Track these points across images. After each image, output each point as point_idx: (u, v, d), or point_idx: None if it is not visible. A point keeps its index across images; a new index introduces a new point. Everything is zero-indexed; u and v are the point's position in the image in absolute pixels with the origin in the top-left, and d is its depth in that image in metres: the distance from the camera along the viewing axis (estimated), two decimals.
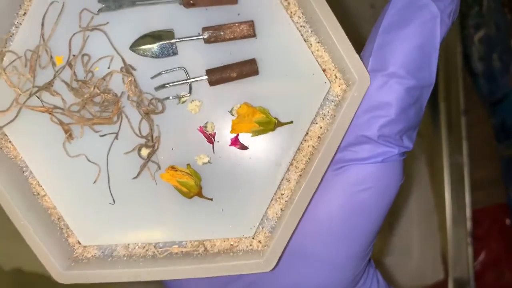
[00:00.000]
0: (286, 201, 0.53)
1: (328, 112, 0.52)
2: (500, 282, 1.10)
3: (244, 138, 0.53)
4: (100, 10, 0.52)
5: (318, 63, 0.52)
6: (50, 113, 0.52)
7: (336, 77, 0.52)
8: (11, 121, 0.52)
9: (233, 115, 0.52)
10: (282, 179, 0.53)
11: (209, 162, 0.53)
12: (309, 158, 0.53)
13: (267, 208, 0.54)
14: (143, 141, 0.52)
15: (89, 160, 0.53)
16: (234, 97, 0.53)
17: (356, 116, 0.49)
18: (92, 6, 0.52)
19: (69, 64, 0.52)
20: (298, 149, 0.53)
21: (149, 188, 0.54)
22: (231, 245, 0.54)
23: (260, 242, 0.54)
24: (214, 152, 0.53)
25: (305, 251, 0.53)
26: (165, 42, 0.51)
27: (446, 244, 1.09)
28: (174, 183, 0.52)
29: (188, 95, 0.52)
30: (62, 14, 0.52)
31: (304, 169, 0.53)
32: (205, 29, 0.51)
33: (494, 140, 1.13)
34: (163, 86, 0.52)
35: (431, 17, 0.48)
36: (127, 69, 0.51)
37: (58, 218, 0.55)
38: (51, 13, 0.52)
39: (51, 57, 0.52)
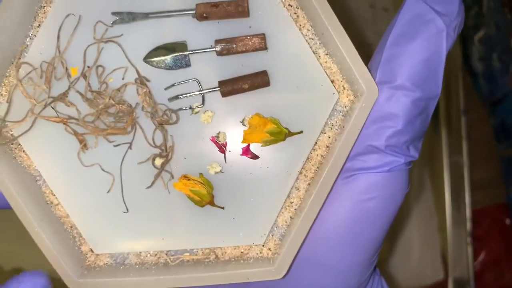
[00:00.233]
0: (295, 209, 0.55)
1: (336, 122, 0.53)
2: (500, 282, 1.11)
3: (255, 147, 0.54)
4: (114, 23, 0.53)
5: (327, 75, 0.53)
6: (64, 123, 0.53)
7: (344, 88, 0.53)
8: (26, 131, 0.53)
9: (244, 125, 0.54)
10: (292, 188, 0.55)
11: (221, 171, 0.54)
12: (317, 167, 0.54)
13: (277, 216, 0.55)
14: (156, 151, 0.53)
15: (103, 170, 0.54)
16: (246, 108, 0.54)
17: (365, 126, 0.51)
18: (106, 19, 0.53)
19: (84, 75, 0.53)
20: (307, 158, 0.54)
21: (161, 196, 0.55)
22: (241, 252, 0.55)
23: (270, 250, 0.55)
24: (225, 162, 0.54)
25: (312, 258, 0.54)
26: (178, 54, 0.52)
27: (446, 244, 1.09)
28: (187, 192, 0.53)
29: (201, 106, 0.53)
30: (76, 26, 0.53)
31: (313, 177, 0.54)
32: (217, 41, 0.52)
33: (494, 140, 1.13)
34: (176, 97, 0.53)
35: (437, 31, 0.49)
36: (142, 81, 0.52)
37: (71, 227, 0.56)
38: (65, 25, 0.53)
39: (66, 68, 0.52)
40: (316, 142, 0.54)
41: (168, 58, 0.53)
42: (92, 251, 0.55)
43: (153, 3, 0.53)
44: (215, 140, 0.54)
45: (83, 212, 0.55)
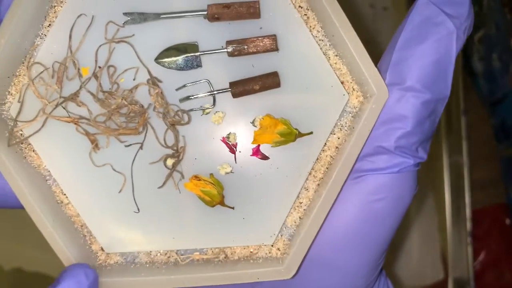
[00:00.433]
0: (304, 209, 0.55)
1: (346, 123, 0.54)
2: (500, 282, 1.11)
3: (265, 148, 0.54)
4: (125, 23, 0.53)
5: (337, 76, 0.53)
6: (75, 123, 0.53)
7: (353, 89, 0.53)
8: (37, 131, 0.53)
9: (255, 126, 0.54)
10: (301, 188, 0.55)
11: (231, 171, 0.54)
12: (327, 168, 0.54)
13: (286, 217, 0.55)
14: (166, 151, 0.54)
15: (114, 170, 0.54)
16: (256, 108, 0.54)
17: (374, 127, 0.51)
18: (117, 19, 0.53)
19: (95, 75, 0.53)
20: (317, 159, 0.54)
21: (172, 196, 0.55)
22: (251, 252, 0.56)
23: (279, 250, 0.55)
24: (236, 162, 0.54)
25: (320, 258, 0.54)
26: (189, 54, 0.53)
27: (446, 244, 1.10)
28: (197, 192, 0.53)
29: (212, 106, 0.53)
30: (89, 27, 0.53)
31: (322, 178, 0.54)
32: (229, 42, 0.52)
33: (494, 140, 1.13)
34: (187, 98, 0.53)
35: (447, 34, 0.50)
36: (154, 81, 0.52)
37: (81, 226, 0.56)
38: (76, 25, 0.53)
39: (78, 68, 0.53)
40: (325, 143, 0.54)
41: (180, 59, 0.53)
42: (102, 250, 0.56)
43: (165, 3, 0.53)
44: (226, 140, 0.54)
45: (93, 211, 0.55)
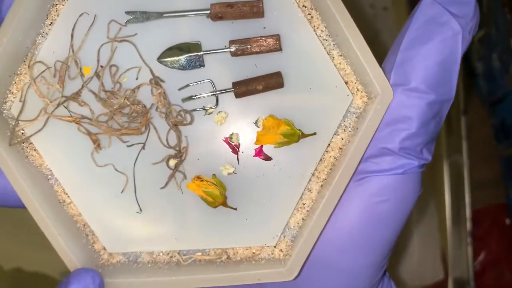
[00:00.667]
0: (307, 211, 0.55)
1: (349, 124, 0.53)
2: (500, 282, 1.11)
3: (267, 149, 0.54)
4: (128, 22, 0.52)
5: (341, 76, 0.53)
6: (77, 123, 0.53)
7: (358, 89, 0.53)
8: (39, 130, 0.53)
9: (258, 126, 0.53)
10: (304, 189, 0.55)
11: (234, 172, 0.54)
12: (330, 169, 0.54)
13: (289, 218, 0.55)
14: (169, 151, 0.53)
15: (116, 170, 0.54)
16: (259, 109, 0.54)
17: (378, 129, 0.50)
18: (120, 18, 0.53)
19: (97, 74, 0.52)
20: (320, 160, 0.54)
21: (174, 197, 0.55)
22: (253, 253, 0.55)
23: (282, 251, 0.55)
24: (238, 163, 0.54)
25: (324, 260, 0.54)
26: (192, 54, 0.52)
27: (446, 244, 1.10)
28: (200, 193, 0.53)
29: (215, 107, 0.53)
30: (91, 26, 0.53)
31: (325, 179, 0.54)
32: (232, 42, 0.52)
33: (494, 140, 1.13)
34: (190, 97, 0.53)
35: (453, 34, 0.49)
36: (156, 81, 0.52)
37: (84, 225, 0.56)
38: (78, 24, 0.53)
39: (80, 68, 0.52)
40: (329, 144, 0.54)
41: (182, 58, 0.52)
42: (105, 249, 0.56)
43: (167, 2, 0.53)
44: (228, 141, 0.54)
45: (96, 211, 0.55)
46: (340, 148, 0.54)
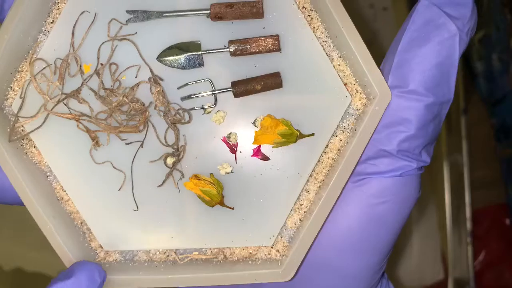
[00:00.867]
0: (305, 211, 0.55)
1: (348, 125, 0.53)
2: (500, 282, 1.11)
3: (265, 149, 0.54)
4: (128, 21, 0.53)
5: (340, 77, 0.53)
6: (77, 120, 0.53)
7: (357, 91, 0.53)
8: (38, 127, 0.53)
9: (256, 126, 0.54)
10: (302, 190, 0.55)
11: (231, 171, 0.54)
12: (328, 170, 0.54)
13: (286, 218, 0.55)
14: (167, 149, 0.54)
15: (114, 167, 0.54)
16: (258, 109, 0.54)
17: (376, 131, 0.50)
18: (120, 17, 0.53)
19: (97, 72, 0.53)
20: (318, 160, 0.54)
21: (172, 195, 0.55)
22: (250, 253, 0.55)
23: (279, 252, 0.55)
24: (236, 162, 0.54)
25: (322, 261, 0.54)
26: (191, 53, 0.53)
27: (446, 244, 1.10)
28: (197, 192, 0.53)
29: (213, 106, 0.53)
30: (92, 24, 0.53)
31: (323, 180, 0.54)
32: (231, 42, 0.52)
33: (494, 140, 1.13)
34: (189, 96, 0.53)
35: (450, 36, 0.49)
36: (155, 80, 0.52)
37: (81, 223, 0.56)
38: (79, 22, 0.53)
39: (80, 65, 0.52)
40: (327, 145, 0.54)
41: (182, 58, 0.53)
42: (101, 247, 0.56)
43: (168, 2, 0.53)
44: (226, 140, 0.54)
45: (93, 209, 0.55)
46: (339, 150, 0.54)
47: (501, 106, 1.11)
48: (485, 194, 1.13)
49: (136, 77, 0.53)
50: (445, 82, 0.50)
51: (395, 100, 0.50)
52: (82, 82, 0.53)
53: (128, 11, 0.53)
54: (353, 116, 0.53)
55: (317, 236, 0.51)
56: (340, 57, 0.53)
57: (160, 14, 0.52)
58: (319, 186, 0.54)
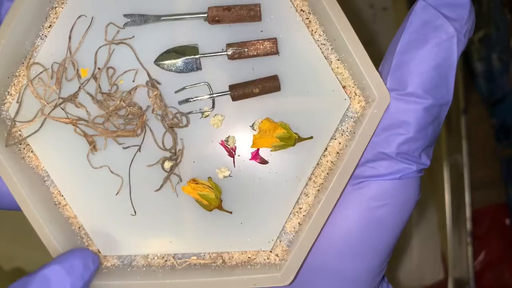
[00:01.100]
0: (304, 215, 0.54)
1: (347, 128, 0.53)
2: (500, 282, 1.11)
3: (264, 152, 0.54)
4: (125, 25, 0.52)
5: (338, 80, 0.53)
6: (74, 125, 0.53)
7: (355, 94, 0.53)
8: (36, 131, 0.53)
9: (254, 130, 0.53)
10: (301, 194, 0.54)
11: (229, 175, 0.54)
12: (327, 173, 0.54)
13: (285, 222, 0.55)
14: (164, 153, 0.53)
15: (111, 172, 0.54)
16: (256, 112, 0.53)
17: (375, 133, 0.50)
18: (118, 20, 0.53)
19: (94, 76, 0.52)
20: (317, 164, 0.54)
21: (170, 200, 0.54)
22: (248, 258, 0.55)
23: (278, 256, 0.55)
24: (234, 166, 0.54)
25: (322, 265, 0.53)
26: (189, 57, 0.52)
27: (446, 244, 1.10)
28: (195, 196, 0.53)
29: (211, 109, 0.53)
30: (88, 28, 0.53)
31: (322, 184, 0.54)
32: (229, 45, 0.52)
33: (494, 140, 1.13)
34: (186, 100, 0.53)
35: (447, 38, 0.49)
36: (153, 83, 0.52)
37: (79, 227, 0.55)
38: (76, 26, 0.53)
39: (77, 70, 0.52)
40: (326, 148, 0.54)
41: (179, 61, 0.52)
42: (99, 252, 0.55)
43: (165, 5, 0.53)
44: (225, 144, 0.54)
45: (91, 214, 0.55)
46: (337, 153, 0.53)
47: (501, 106, 1.11)
48: (485, 194, 1.13)
49: (133, 81, 0.53)
50: (444, 84, 0.50)
51: (394, 103, 0.50)
52: (79, 86, 0.53)
53: (125, 15, 0.52)
54: (352, 119, 0.53)
55: (316, 239, 0.51)
56: (338, 60, 0.53)
57: (158, 18, 0.52)
58: (318, 190, 0.54)
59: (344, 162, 0.50)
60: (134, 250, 0.55)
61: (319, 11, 0.52)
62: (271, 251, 0.55)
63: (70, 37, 0.53)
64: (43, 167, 0.55)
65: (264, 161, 0.54)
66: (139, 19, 0.52)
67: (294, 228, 0.54)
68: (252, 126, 0.53)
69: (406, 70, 0.49)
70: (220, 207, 0.53)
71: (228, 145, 0.54)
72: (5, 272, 1.03)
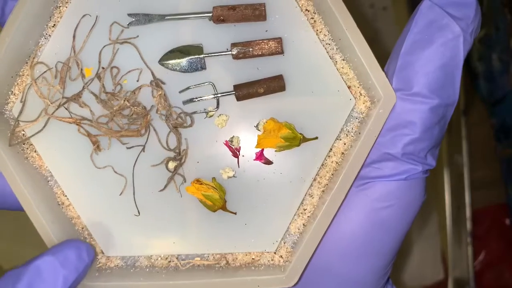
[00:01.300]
0: (308, 216, 0.54)
1: (352, 128, 0.53)
2: (499, 282, 1.11)
3: (268, 152, 0.54)
4: (130, 24, 0.52)
5: (343, 80, 0.53)
6: (78, 124, 0.52)
7: (361, 94, 0.53)
8: (39, 131, 0.53)
9: (259, 130, 0.53)
10: (305, 195, 0.54)
11: (234, 176, 0.53)
12: (332, 174, 0.54)
13: (290, 223, 0.54)
14: (169, 153, 0.53)
15: (115, 172, 0.53)
16: (260, 112, 0.53)
17: (381, 134, 0.50)
18: (122, 20, 0.52)
19: (98, 76, 0.52)
20: (322, 164, 0.53)
21: (173, 200, 0.54)
22: (252, 259, 0.55)
23: (282, 257, 0.54)
24: (239, 166, 0.54)
25: (326, 266, 0.53)
26: (193, 57, 0.52)
27: (446, 244, 1.09)
28: (199, 196, 0.53)
29: (216, 109, 0.53)
30: (93, 27, 0.52)
31: (327, 184, 0.54)
32: (234, 45, 0.51)
33: (494, 140, 1.13)
34: (191, 100, 0.52)
35: (453, 37, 0.48)
36: (157, 83, 0.52)
37: (82, 228, 0.55)
38: (80, 25, 0.53)
39: (81, 69, 0.52)
40: (331, 149, 0.53)
41: (184, 61, 0.52)
42: (102, 252, 0.55)
43: (170, 5, 0.53)
44: (229, 144, 0.53)
45: (94, 214, 0.55)
46: (342, 153, 0.53)
47: (501, 106, 1.11)
48: (485, 194, 1.13)
49: (137, 81, 0.53)
50: (450, 84, 0.49)
51: (399, 103, 0.49)
52: (83, 86, 0.52)
53: (129, 14, 0.52)
54: (357, 119, 0.53)
55: (321, 241, 0.51)
56: (343, 59, 0.53)
57: (162, 17, 0.52)
58: (323, 191, 0.54)
59: (349, 163, 0.50)
60: (137, 251, 0.55)
61: (324, 11, 0.51)
62: (275, 253, 0.54)
63: (74, 36, 0.52)
64: (46, 167, 0.54)
65: (268, 162, 0.53)
66: (143, 18, 0.52)
67: (299, 229, 0.54)
68: (256, 126, 0.53)
69: (412, 70, 0.49)
70: (224, 208, 0.53)
71: (233, 145, 0.53)
72: (5, 272, 1.03)
